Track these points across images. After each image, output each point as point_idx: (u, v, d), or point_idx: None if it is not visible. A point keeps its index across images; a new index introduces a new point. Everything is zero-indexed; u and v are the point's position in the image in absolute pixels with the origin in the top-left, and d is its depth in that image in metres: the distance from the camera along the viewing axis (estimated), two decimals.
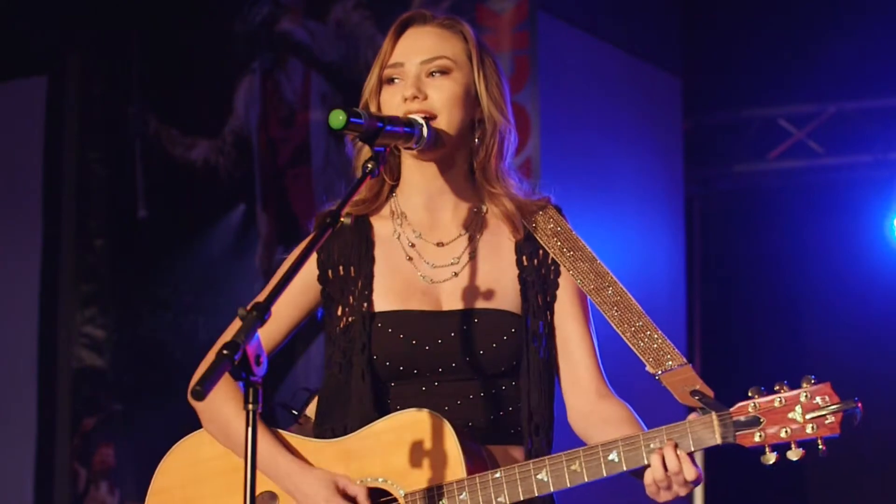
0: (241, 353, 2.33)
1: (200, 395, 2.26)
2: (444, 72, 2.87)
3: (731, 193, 7.65)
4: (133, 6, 7.46)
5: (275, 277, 2.92)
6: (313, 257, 2.94)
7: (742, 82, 7.40)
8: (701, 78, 7.28)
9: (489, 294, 2.87)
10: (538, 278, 2.90)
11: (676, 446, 2.62)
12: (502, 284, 2.89)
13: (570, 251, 2.90)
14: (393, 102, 2.86)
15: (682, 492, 2.65)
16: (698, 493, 7.33)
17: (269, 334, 2.94)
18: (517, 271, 2.90)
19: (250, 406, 2.36)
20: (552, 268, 2.91)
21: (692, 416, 2.66)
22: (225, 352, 2.32)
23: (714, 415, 2.62)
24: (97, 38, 7.59)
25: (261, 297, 2.47)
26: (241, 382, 2.37)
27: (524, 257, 2.91)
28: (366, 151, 2.87)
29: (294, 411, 3.01)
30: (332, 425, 2.86)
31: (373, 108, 2.89)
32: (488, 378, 2.84)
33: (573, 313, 2.92)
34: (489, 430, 2.83)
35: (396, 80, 2.88)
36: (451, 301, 2.87)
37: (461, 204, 2.94)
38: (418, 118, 2.81)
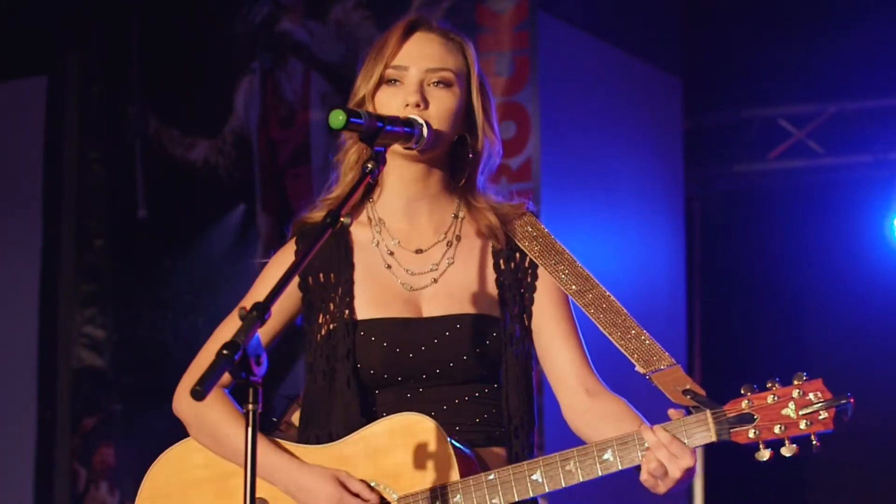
0: (241, 352, 2.33)
1: (200, 395, 2.25)
2: (447, 84, 2.87)
3: (731, 193, 7.65)
4: (133, 6, 7.46)
5: (258, 283, 2.93)
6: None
7: (742, 82, 7.40)
8: (701, 78, 7.28)
9: (469, 299, 2.88)
10: (516, 282, 2.91)
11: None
12: (481, 289, 2.90)
13: (550, 255, 2.92)
14: (392, 104, 2.85)
15: (678, 475, 2.64)
16: (698, 492, 7.33)
17: None
18: (495, 275, 2.92)
19: (250, 406, 2.36)
20: (530, 271, 2.93)
21: (672, 412, 2.70)
22: (225, 352, 2.31)
23: (708, 412, 2.65)
24: (97, 38, 7.58)
25: (245, 303, 2.46)
26: (241, 381, 2.37)
27: (502, 261, 2.92)
28: (355, 150, 2.90)
29: (273, 419, 2.99)
30: (316, 432, 2.86)
31: (368, 105, 2.89)
32: (472, 382, 2.86)
33: (555, 315, 2.92)
34: (475, 433, 2.84)
35: (397, 82, 2.87)
36: (432, 308, 2.88)
37: (439, 211, 2.94)
38: (418, 118, 2.81)
